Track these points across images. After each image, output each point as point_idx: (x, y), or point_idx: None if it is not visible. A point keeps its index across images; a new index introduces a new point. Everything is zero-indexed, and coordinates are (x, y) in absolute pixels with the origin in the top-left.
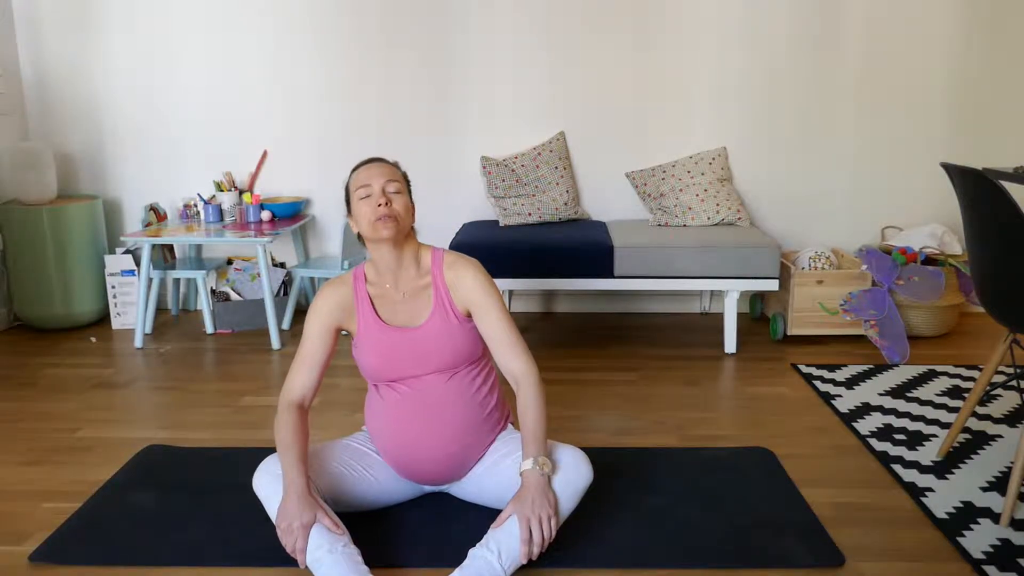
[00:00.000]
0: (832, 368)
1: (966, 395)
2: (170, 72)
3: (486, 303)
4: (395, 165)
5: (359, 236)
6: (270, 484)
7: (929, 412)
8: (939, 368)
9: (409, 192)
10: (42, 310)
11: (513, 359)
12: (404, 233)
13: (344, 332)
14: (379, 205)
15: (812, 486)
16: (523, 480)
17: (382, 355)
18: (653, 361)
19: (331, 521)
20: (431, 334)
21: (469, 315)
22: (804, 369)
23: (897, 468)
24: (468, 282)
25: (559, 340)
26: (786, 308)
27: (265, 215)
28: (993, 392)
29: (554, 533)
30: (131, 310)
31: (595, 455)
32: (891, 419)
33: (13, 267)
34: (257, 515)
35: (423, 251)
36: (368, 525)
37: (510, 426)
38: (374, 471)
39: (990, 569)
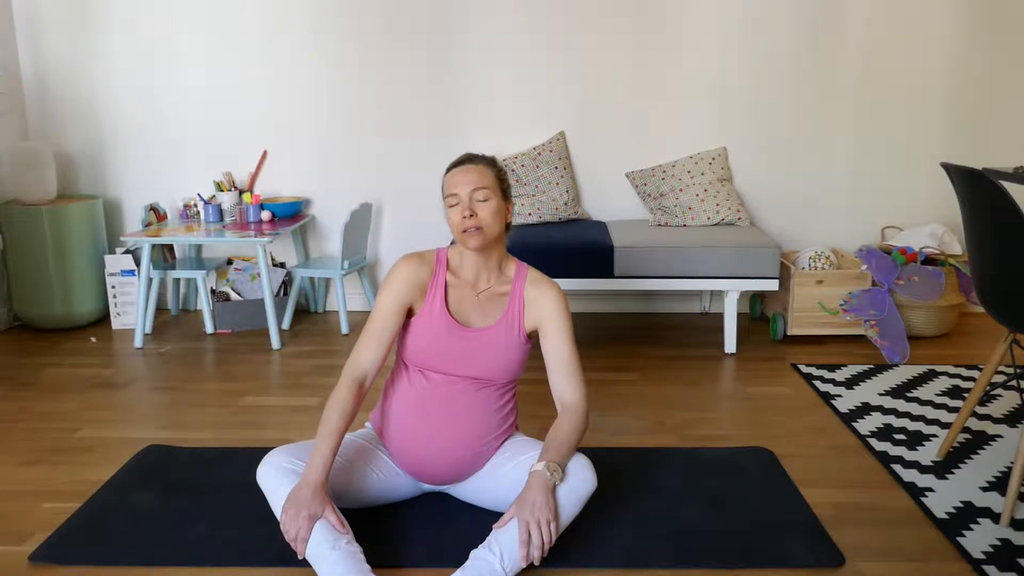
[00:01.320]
0: (832, 368)
1: (966, 395)
2: (170, 72)
3: (559, 324)
4: (489, 163)
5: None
6: (275, 477)
7: (929, 412)
8: (939, 368)
9: (504, 191)
10: (42, 310)
11: (568, 387)
12: (492, 240)
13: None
14: (465, 217)
15: (812, 486)
16: (529, 480)
17: (433, 343)
18: (653, 361)
19: (337, 519)
20: (488, 341)
21: (530, 337)
22: (804, 369)
23: (897, 468)
24: (550, 301)
25: None
26: (786, 308)
27: (265, 215)
28: (993, 392)
29: (554, 537)
30: (131, 310)
31: (595, 455)
32: (891, 419)
33: (13, 267)
34: (257, 515)
35: (508, 260)
36: (369, 524)
37: (515, 431)
38: (377, 467)
39: (990, 569)
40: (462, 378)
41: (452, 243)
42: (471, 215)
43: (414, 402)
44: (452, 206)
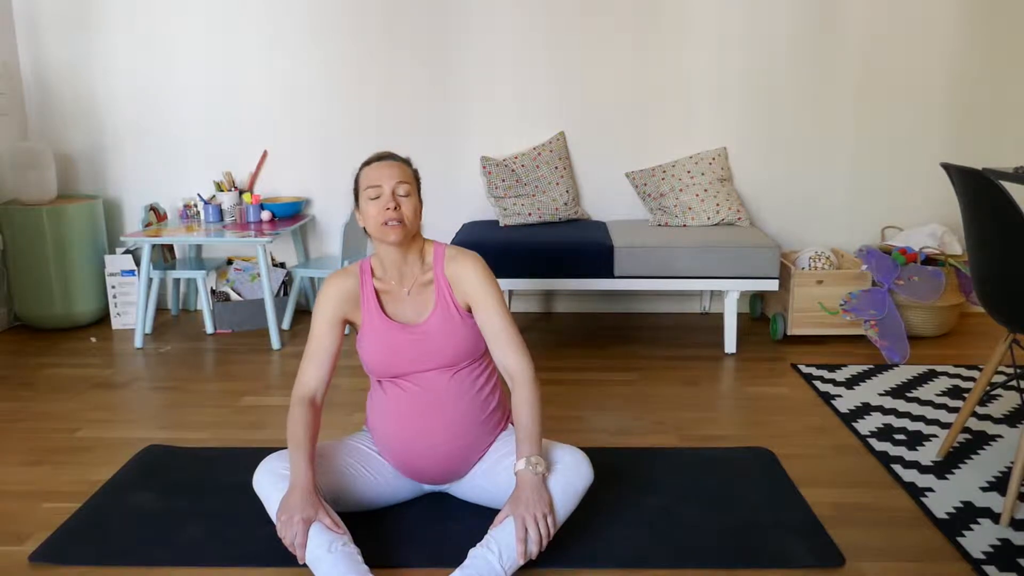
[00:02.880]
0: (832, 368)
1: (966, 395)
2: (170, 72)
3: (484, 296)
4: (406, 162)
5: (365, 230)
6: (271, 484)
7: (929, 412)
8: (939, 368)
9: (419, 191)
10: (42, 310)
11: (509, 354)
12: (411, 236)
13: (349, 323)
14: (388, 209)
15: (812, 486)
16: (517, 480)
17: (385, 351)
18: (653, 361)
19: (331, 520)
20: (433, 330)
21: (470, 311)
22: (804, 369)
23: (897, 468)
24: (468, 274)
25: (559, 340)
26: (786, 308)
27: (265, 215)
28: (993, 392)
29: (551, 531)
30: (131, 310)
31: (595, 455)
32: (891, 419)
33: (13, 267)
34: (257, 515)
35: (427, 247)
36: (368, 525)
37: (510, 426)
38: (375, 471)
39: (990, 569)
40: (429, 371)
41: (371, 254)
42: (395, 207)
43: (395, 410)
44: (373, 199)
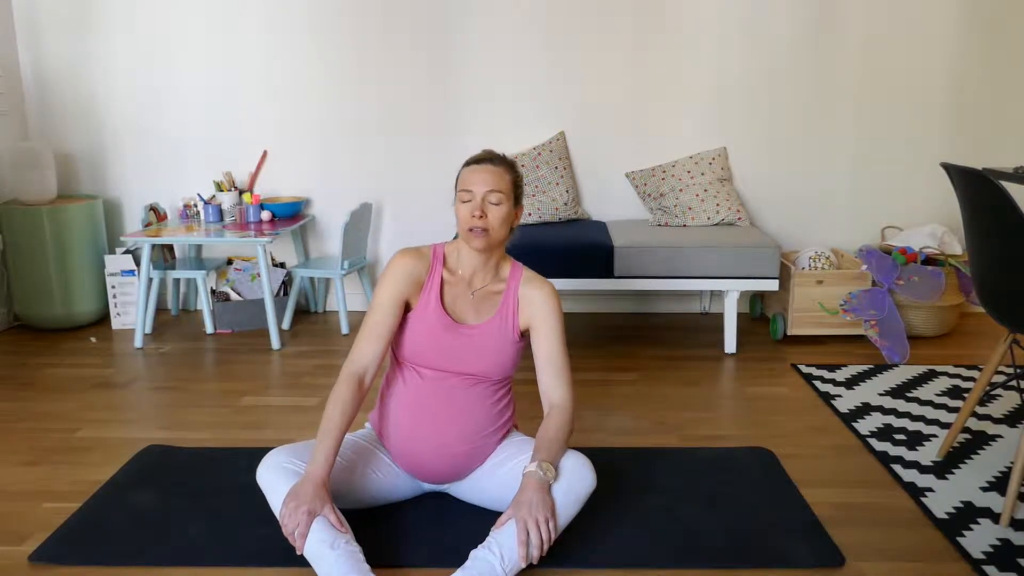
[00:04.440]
0: (832, 368)
1: (966, 395)
2: (170, 72)
3: (550, 323)
4: (508, 166)
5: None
6: (275, 478)
7: (929, 412)
8: (939, 368)
9: (517, 197)
10: (42, 310)
11: (556, 386)
12: (496, 244)
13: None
14: (474, 216)
15: (812, 486)
16: (523, 481)
17: (427, 339)
18: (653, 361)
19: (336, 518)
20: (481, 338)
21: (523, 336)
22: (804, 369)
23: (897, 468)
24: (543, 300)
25: None
26: (786, 308)
27: (265, 215)
28: (993, 392)
29: (553, 536)
30: (131, 310)
31: (595, 455)
32: (891, 419)
33: (13, 267)
34: (257, 515)
35: (504, 260)
36: (369, 524)
37: (514, 431)
38: (376, 468)
39: (990, 569)
40: (456, 374)
41: (453, 239)
42: (481, 216)
43: (410, 401)
44: (464, 202)
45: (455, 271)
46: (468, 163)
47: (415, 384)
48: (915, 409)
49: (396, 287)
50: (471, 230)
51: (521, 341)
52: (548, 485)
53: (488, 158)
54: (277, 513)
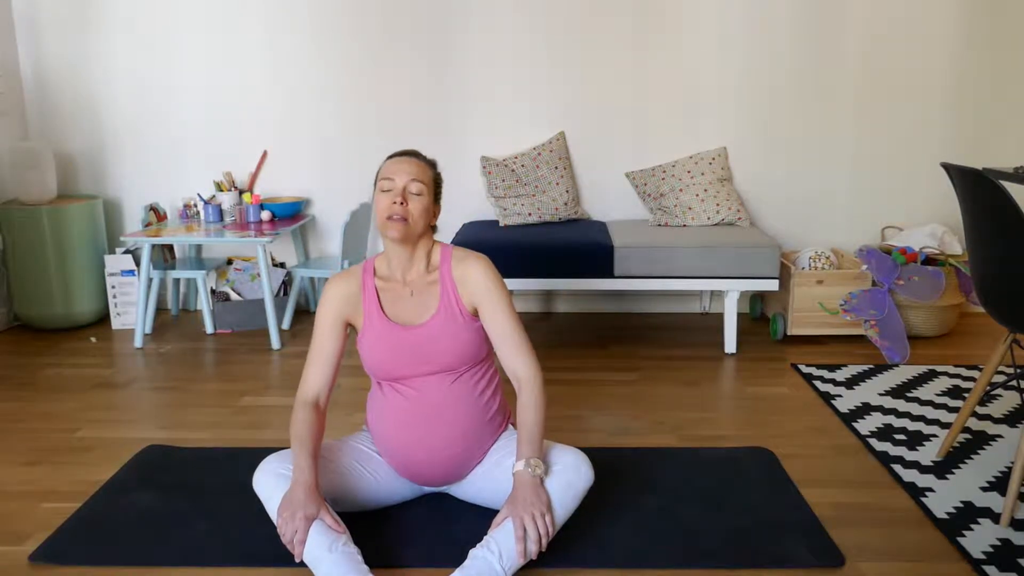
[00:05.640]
0: (832, 368)
1: (966, 395)
2: (170, 72)
3: (493, 299)
4: (430, 163)
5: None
6: (271, 484)
7: (929, 412)
8: (939, 368)
9: (436, 194)
10: (42, 310)
11: (517, 359)
12: (414, 236)
13: (350, 325)
14: (394, 203)
15: (812, 486)
16: (515, 481)
17: (385, 351)
18: (653, 361)
19: (332, 519)
20: (435, 332)
21: (475, 314)
22: (804, 369)
23: (897, 468)
24: (476, 276)
25: (559, 340)
26: (786, 308)
27: (265, 215)
28: (993, 392)
29: (550, 530)
30: (131, 310)
31: (595, 455)
32: (891, 419)
33: (13, 267)
34: (257, 515)
35: (435, 248)
36: (368, 525)
37: (511, 427)
38: (375, 471)
39: (990, 569)
40: (430, 375)
41: (380, 252)
42: (402, 202)
43: (394, 414)
44: (384, 191)
45: (388, 277)
46: (390, 156)
47: (396, 399)
48: (915, 409)
49: (330, 310)
50: (390, 218)
51: (476, 321)
52: (540, 480)
53: (412, 153)
54: (275, 519)
